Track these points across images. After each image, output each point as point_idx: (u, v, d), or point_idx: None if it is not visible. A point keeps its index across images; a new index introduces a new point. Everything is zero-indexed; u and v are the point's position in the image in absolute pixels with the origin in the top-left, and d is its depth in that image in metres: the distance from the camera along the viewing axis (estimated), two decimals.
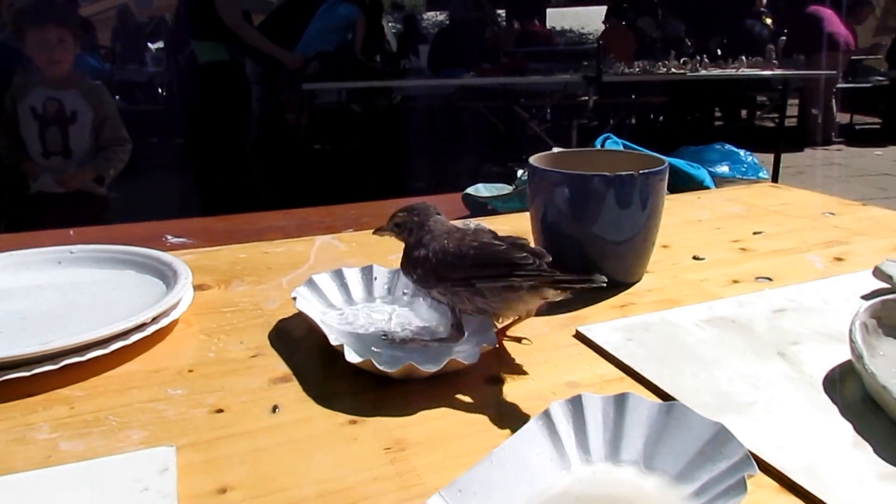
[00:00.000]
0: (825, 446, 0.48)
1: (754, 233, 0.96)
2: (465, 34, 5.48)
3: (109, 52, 7.56)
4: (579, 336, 0.65)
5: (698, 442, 0.44)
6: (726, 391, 0.55)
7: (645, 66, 4.69)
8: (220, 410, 0.54)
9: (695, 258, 0.86)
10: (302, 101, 4.51)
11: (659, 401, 0.50)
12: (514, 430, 0.49)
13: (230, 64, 3.95)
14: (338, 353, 0.57)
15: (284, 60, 4.09)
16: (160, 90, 7.30)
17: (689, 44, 6.82)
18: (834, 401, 0.53)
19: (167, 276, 0.73)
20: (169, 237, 1.20)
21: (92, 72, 5.68)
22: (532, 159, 0.79)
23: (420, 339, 0.63)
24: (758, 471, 0.41)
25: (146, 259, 0.78)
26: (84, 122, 2.29)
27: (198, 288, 0.78)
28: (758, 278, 0.79)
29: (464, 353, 0.58)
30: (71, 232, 1.21)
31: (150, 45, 8.85)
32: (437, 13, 11.06)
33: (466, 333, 0.62)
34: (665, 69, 4.60)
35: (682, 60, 4.65)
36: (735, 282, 0.79)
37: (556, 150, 0.92)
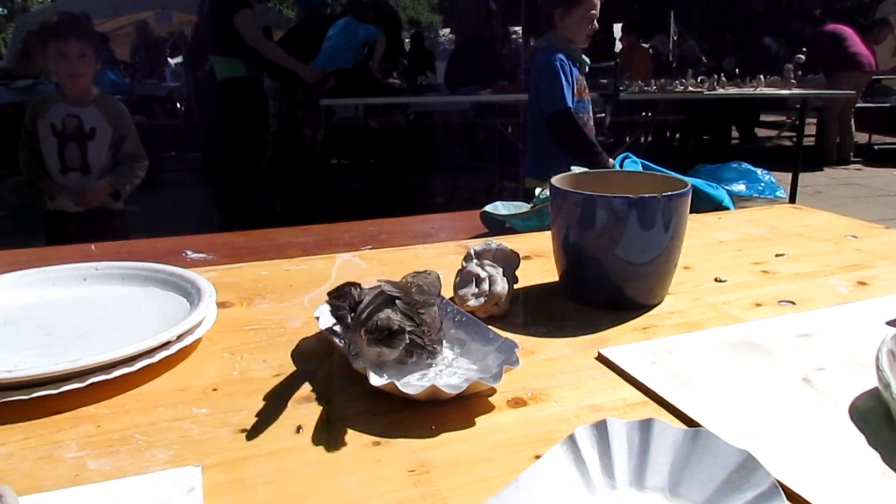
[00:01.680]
0: (853, 476, 0.47)
1: (776, 255, 0.95)
2: (482, 51, 5.51)
3: (129, 67, 7.67)
4: (601, 358, 0.65)
5: (725, 470, 0.44)
6: (751, 418, 0.54)
7: (662, 84, 4.69)
8: (245, 430, 0.54)
9: (717, 280, 0.86)
10: (319, 116, 4.54)
11: (684, 427, 0.50)
12: (538, 455, 0.49)
13: (248, 80, 4.00)
14: (359, 374, 0.58)
15: (303, 74, 4.13)
16: (179, 105, 7.39)
17: (705, 62, 6.82)
18: (861, 430, 0.52)
19: (191, 294, 0.74)
20: (189, 252, 1.21)
21: (112, 86, 5.76)
22: (554, 180, 0.80)
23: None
24: (786, 502, 0.41)
25: (170, 276, 0.79)
26: (103, 139, 2.31)
27: (220, 305, 0.78)
28: (781, 302, 0.79)
29: (487, 374, 0.58)
30: (93, 247, 1.22)
31: (169, 60, 8.97)
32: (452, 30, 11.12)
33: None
34: (682, 87, 4.60)
35: (699, 79, 4.65)
36: (758, 305, 0.78)
37: (576, 169, 0.92)
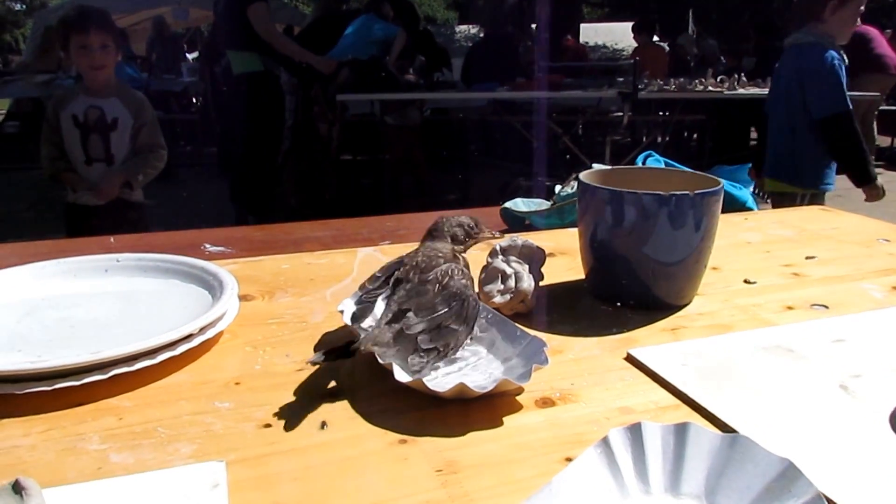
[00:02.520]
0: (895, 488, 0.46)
1: (807, 257, 0.93)
2: (499, 48, 5.49)
3: (146, 63, 7.70)
4: (630, 359, 0.64)
5: (764, 478, 0.43)
6: (788, 424, 0.53)
7: (682, 83, 4.65)
8: (269, 425, 0.53)
9: (746, 282, 0.84)
10: (335, 112, 4.54)
11: (720, 432, 0.48)
12: (568, 457, 0.48)
13: (264, 74, 4.00)
14: (385, 370, 0.57)
15: (317, 66, 4.12)
16: (196, 100, 7.41)
17: (724, 62, 6.76)
18: None
19: (213, 287, 0.73)
20: (207, 246, 1.21)
21: (128, 81, 5.78)
22: (582, 176, 0.78)
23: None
24: None
25: (191, 269, 0.78)
26: (124, 129, 2.32)
27: (242, 298, 0.78)
28: (813, 305, 0.77)
29: (515, 373, 0.57)
30: (111, 239, 1.22)
31: (187, 55, 9.01)
32: (470, 27, 11.10)
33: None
34: (702, 87, 4.55)
35: (718, 78, 4.60)
36: (789, 308, 0.76)
37: (597, 166, 0.91)
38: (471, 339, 0.63)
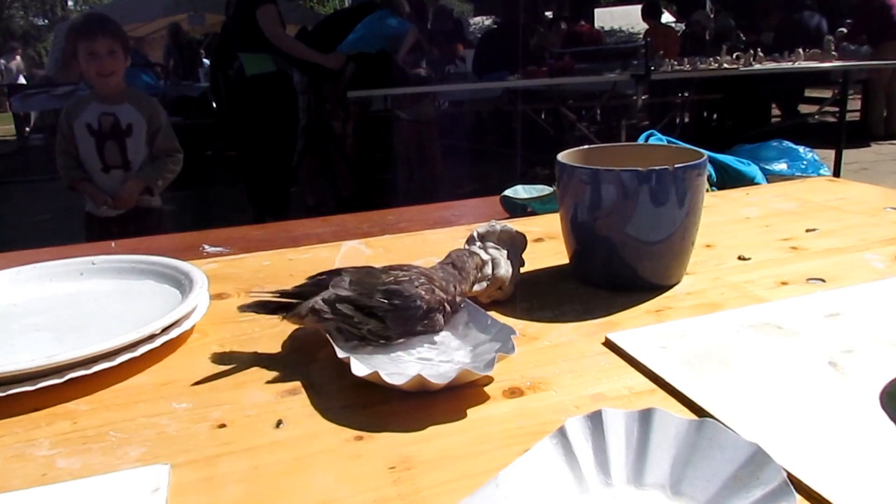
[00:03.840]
0: (879, 471, 0.42)
1: (807, 230, 0.89)
2: (510, 37, 5.43)
3: (163, 69, 7.77)
4: (609, 344, 0.61)
5: (732, 465, 0.40)
6: (767, 406, 0.49)
7: (695, 61, 4.56)
8: (223, 426, 0.51)
9: (740, 258, 0.80)
10: (347, 109, 4.53)
11: (690, 416, 0.45)
12: (528, 449, 0.45)
13: (277, 75, 4.00)
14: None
15: (325, 63, 4.12)
16: (213, 104, 7.46)
17: (742, 38, 6.62)
18: (892, 417, 0.47)
19: (184, 286, 0.72)
20: (206, 246, 1.19)
21: (146, 89, 5.84)
22: (561, 156, 0.75)
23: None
24: (796, 500, 0.37)
25: (165, 269, 0.76)
26: (140, 134, 2.32)
27: (217, 297, 0.76)
28: (809, 280, 0.73)
29: (479, 363, 0.54)
30: (112, 244, 1.21)
31: (205, 61, 9.07)
32: (485, 18, 11.04)
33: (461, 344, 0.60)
34: (717, 64, 4.46)
35: (734, 55, 4.51)
36: (784, 284, 0.73)
37: (587, 146, 0.87)
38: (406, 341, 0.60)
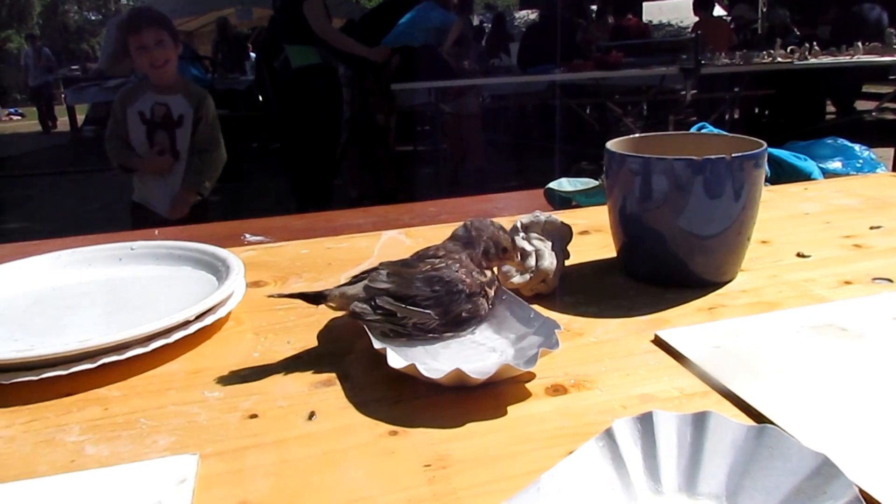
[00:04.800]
0: None
1: (871, 227, 0.84)
2: (556, 30, 5.36)
3: (211, 63, 7.88)
4: (658, 342, 0.58)
5: (795, 476, 0.36)
6: (832, 413, 0.46)
7: (747, 56, 4.44)
8: (254, 416, 0.50)
9: (799, 255, 0.76)
10: (391, 102, 4.52)
11: (749, 422, 0.42)
12: (572, 450, 0.43)
13: (323, 67, 4.02)
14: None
15: (370, 56, 4.11)
16: (258, 97, 7.54)
17: (797, 33, 6.43)
18: None
19: (220, 272, 0.71)
20: (247, 235, 1.19)
21: (195, 81, 5.91)
22: (610, 144, 0.72)
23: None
24: None
25: (203, 255, 0.75)
26: (188, 126, 2.35)
27: (254, 285, 0.75)
28: (875, 279, 0.69)
29: (520, 358, 0.52)
30: (156, 231, 1.22)
31: (251, 54, 9.18)
32: (529, 12, 10.93)
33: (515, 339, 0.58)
34: (770, 58, 4.33)
35: (788, 49, 4.37)
36: (847, 283, 0.68)
37: (637, 134, 0.84)
38: (453, 334, 0.57)
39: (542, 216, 0.72)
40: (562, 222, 0.72)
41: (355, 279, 0.59)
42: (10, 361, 0.54)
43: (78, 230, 1.20)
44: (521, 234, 0.70)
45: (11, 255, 0.78)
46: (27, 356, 0.54)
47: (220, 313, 0.63)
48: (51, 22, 22.99)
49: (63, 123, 10.31)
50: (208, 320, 0.61)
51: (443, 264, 0.59)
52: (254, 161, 6.51)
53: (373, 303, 0.56)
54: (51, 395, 0.53)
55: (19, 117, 15.06)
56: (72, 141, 9.17)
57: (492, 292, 0.60)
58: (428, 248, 0.63)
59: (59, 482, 0.43)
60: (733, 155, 0.64)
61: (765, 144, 0.67)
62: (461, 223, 0.64)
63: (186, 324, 0.60)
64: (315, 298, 0.58)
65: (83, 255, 0.78)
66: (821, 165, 2.29)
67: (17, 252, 0.82)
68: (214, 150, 2.41)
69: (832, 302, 0.63)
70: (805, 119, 6.03)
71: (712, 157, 0.64)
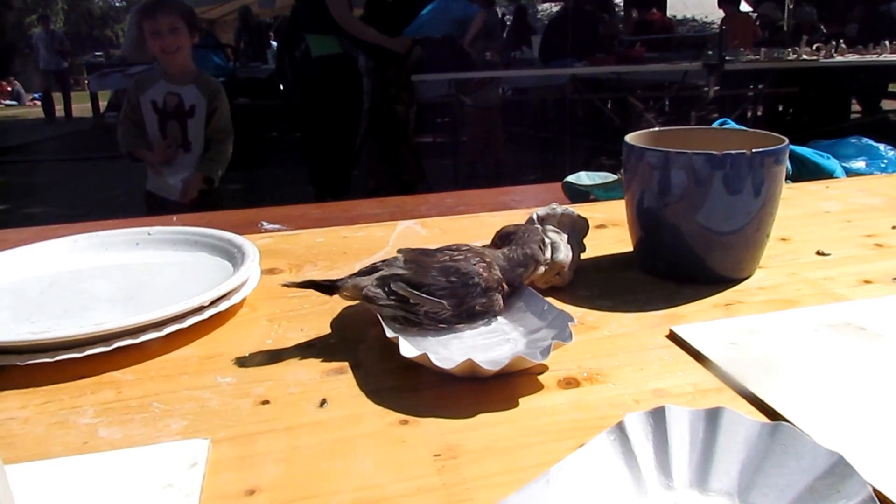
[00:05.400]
0: None
1: (893, 227, 0.83)
2: (578, 24, 5.32)
3: (233, 51, 7.91)
4: (673, 337, 0.57)
5: (808, 475, 0.36)
6: (848, 413, 0.45)
7: (772, 52, 4.38)
8: (266, 402, 0.50)
9: (818, 253, 0.75)
10: (411, 93, 4.52)
11: (763, 419, 0.42)
12: (583, 443, 0.42)
13: (343, 57, 4.02)
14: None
15: (391, 47, 4.11)
16: (279, 86, 7.56)
17: (823, 30, 6.33)
18: None
19: (236, 259, 0.71)
20: (265, 223, 1.19)
21: (215, 69, 5.94)
22: (629, 137, 0.71)
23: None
24: None
25: (219, 241, 0.76)
26: (201, 116, 2.35)
27: (269, 272, 0.75)
28: None
29: (533, 350, 0.51)
30: (174, 218, 1.22)
31: (273, 43, 9.20)
32: (552, 4, 10.86)
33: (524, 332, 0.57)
34: (795, 56, 4.27)
35: (814, 46, 4.31)
36: (866, 282, 0.67)
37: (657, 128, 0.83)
38: (465, 326, 0.57)
39: (559, 209, 0.71)
40: (578, 215, 0.71)
41: (369, 268, 0.59)
42: (26, 343, 0.54)
43: (99, 215, 1.21)
44: (537, 227, 0.70)
45: (31, 238, 0.78)
46: (43, 338, 0.54)
47: (235, 299, 0.63)
48: (76, 8, 23.20)
49: (85, 110, 10.39)
50: (222, 306, 0.62)
51: (461, 256, 0.59)
52: (274, 150, 6.53)
53: (387, 288, 0.56)
54: (65, 378, 0.54)
55: None
56: (94, 127, 9.25)
57: (508, 290, 0.60)
58: (454, 244, 0.62)
59: (72, 463, 0.43)
60: (754, 150, 0.63)
61: (786, 140, 0.66)
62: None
63: (201, 309, 0.60)
64: (328, 289, 0.58)
65: (100, 239, 0.78)
66: (844, 165, 2.26)
67: (36, 236, 0.83)
68: (228, 139, 2.42)
69: (851, 301, 0.62)
70: (829, 118, 5.95)
71: (732, 152, 0.63)
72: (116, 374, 0.54)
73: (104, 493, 0.40)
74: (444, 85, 4.96)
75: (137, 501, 0.39)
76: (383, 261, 0.60)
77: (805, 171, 1.33)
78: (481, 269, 0.58)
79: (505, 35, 5.67)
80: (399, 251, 0.60)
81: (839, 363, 0.51)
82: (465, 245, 0.61)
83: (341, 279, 0.58)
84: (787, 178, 1.31)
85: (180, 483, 0.40)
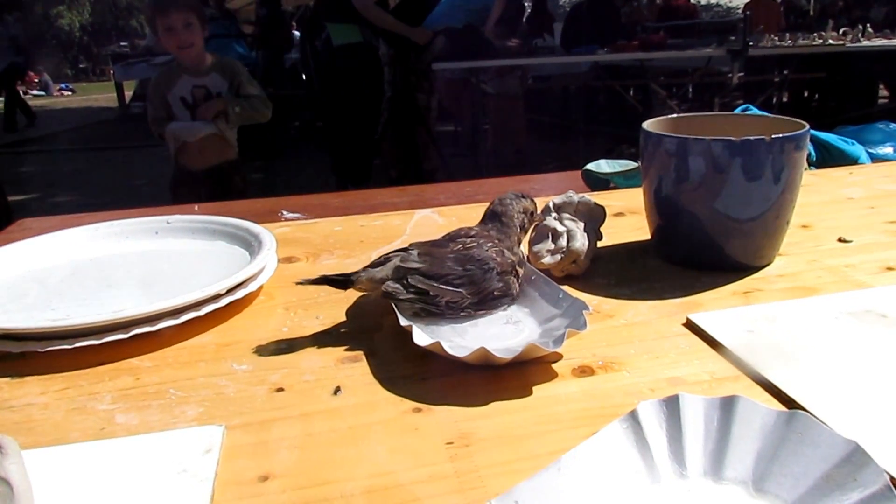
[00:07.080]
0: None
1: None
2: (601, 10, 5.27)
3: (255, 41, 7.92)
4: (690, 325, 0.56)
5: (825, 463, 0.35)
6: (867, 401, 0.44)
7: (797, 37, 4.30)
8: (281, 389, 0.50)
9: (840, 240, 0.74)
10: (432, 82, 4.50)
11: (778, 408, 0.41)
12: (596, 432, 0.42)
13: (364, 45, 4.01)
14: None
15: (413, 37, 4.10)
16: (302, 75, 7.57)
17: (850, 14, 6.21)
18: None
19: (253, 247, 0.71)
20: (284, 212, 1.20)
21: (238, 58, 5.96)
22: (646, 124, 0.70)
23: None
24: None
25: (237, 230, 0.76)
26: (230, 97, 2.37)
27: (286, 260, 0.75)
28: None
29: (547, 338, 0.51)
30: (196, 207, 1.23)
31: (295, 33, 9.22)
32: None
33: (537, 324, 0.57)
34: (821, 40, 4.19)
35: (841, 31, 4.23)
36: (889, 269, 0.66)
37: (675, 115, 0.82)
38: (485, 312, 0.57)
39: (575, 196, 0.71)
40: (595, 203, 0.71)
41: (384, 258, 0.59)
42: (46, 330, 0.55)
43: (125, 206, 1.22)
44: (553, 215, 0.70)
45: (55, 227, 0.80)
46: (62, 325, 0.55)
47: (251, 287, 0.63)
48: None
49: (110, 99, 10.45)
50: (239, 294, 0.62)
51: (474, 244, 0.59)
52: (296, 139, 6.56)
53: (405, 282, 0.56)
54: (84, 364, 0.55)
55: (70, 93, 15.45)
56: (119, 117, 9.34)
57: (522, 271, 0.60)
58: (459, 229, 0.63)
59: (90, 449, 0.44)
60: (773, 136, 0.62)
61: (807, 126, 0.65)
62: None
63: (217, 297, 0.60)
64: (342, 283, 0.58)
65: (121, 227, 0.79)
66: (871, 151, 2.22)
67: (60, 224, 0.84)
68: (257, 97, 2.41)
69: (873, 288, 0.61)
70: (856, 103, 5.83)
71: (751, 138, 0.62)
72: (134, 361, 0.55)
73: (120, 478, 0.41)
74: (464, 73, 4.93)
75: (152, 487, 0.40)
76: (395, 251, 0.60)
77: (829, 157, 1.30)
78: (494, 254, 0.58)
79: (525, 22, 5.61)
80: (410, 245, 0.60)
81: (858, 351, 0.51)
82: (469, 228, 0.61)
83: (355, 273, 0.58)
84: (811, 165, 1.30)
85: (195, 468, 0.41)
